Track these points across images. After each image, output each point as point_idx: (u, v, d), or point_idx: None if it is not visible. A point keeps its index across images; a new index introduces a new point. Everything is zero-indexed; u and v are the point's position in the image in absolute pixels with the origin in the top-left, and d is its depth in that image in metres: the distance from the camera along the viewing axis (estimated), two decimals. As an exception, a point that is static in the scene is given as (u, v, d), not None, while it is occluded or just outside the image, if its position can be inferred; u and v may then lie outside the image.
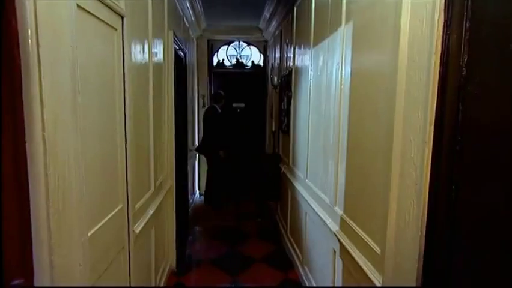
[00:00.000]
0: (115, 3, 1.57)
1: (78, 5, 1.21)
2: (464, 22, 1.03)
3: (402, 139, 1.31)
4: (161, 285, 2.82)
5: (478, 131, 1.03)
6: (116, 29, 1.65)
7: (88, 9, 1.31)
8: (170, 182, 3.07)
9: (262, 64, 6.02)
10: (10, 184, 0.91)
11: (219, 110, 5.13)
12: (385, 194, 1.43)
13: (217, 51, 6.02)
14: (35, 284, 0.96)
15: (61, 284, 1.05)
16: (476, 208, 1.07)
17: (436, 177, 1.13)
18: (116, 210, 1.67)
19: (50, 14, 1.01)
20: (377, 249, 1.54)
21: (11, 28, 0.89)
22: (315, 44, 2.74)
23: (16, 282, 0.91)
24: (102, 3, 1.46)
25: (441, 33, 1.10)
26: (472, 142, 1.04)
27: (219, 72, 6.00)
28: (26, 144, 0.94)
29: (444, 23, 1.09)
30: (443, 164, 1.12)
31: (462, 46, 1.04)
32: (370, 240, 1.63)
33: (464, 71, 1.03)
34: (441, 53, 1.10)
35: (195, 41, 5.50)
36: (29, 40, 0.93)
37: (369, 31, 1.69)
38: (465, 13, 1.02)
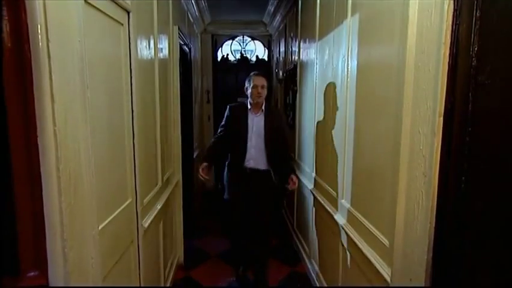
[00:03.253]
0: (121, -2, 1.58)
1: (85, 0, 1.21)
2: (474, 11, 1.02)
3: (410, 131, 1.30)
4: (170, 278, 2.85)
5: (488, 121, 1.02)
6: (122, 24, 1.66)
7: (95, 5, 1.31)
8: (177, 177, 3.09)
9: (266, 59, 6.00)
10: (23, 178, 0.93)
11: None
12: (393, 186, 1.42)
13: (221, 46, 6.01)
14: (49, 276, 0.98)
15: (75, 276, 1.06)
16: (486, 199, 1.06)
17: (445, 168, 1.13)
18: (125, 204, 1.68)
19: (59, 9, 1.02)
20: (385, 241, 1.54)
21: (21, 23, 0.90)
22: (321, 37, 2.72)
23: (31, 274, 0.93)
24: (108, -2, 1.46)
25: (450, 23, 1.09)
26: (482, 133, 1.04)
27: (223, 67, 5.98)
28: (38, 139, 0.95)
29: (453, 12, 1.08)
30: (452, 156, 1.11)
31: (472, 36, 1.02)
32: (378, 233, 1.63)
33: (475, 61, 1.02)
34: (451, 44, 1.09)
35: (199, 36, 5.49)
36: (39, 35, 0.94)
37: (376, 23, 1.68)
38: (475, 2, 1.01)
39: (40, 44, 0.94)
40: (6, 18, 0.88)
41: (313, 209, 2.92)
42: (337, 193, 2.27)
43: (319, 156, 2.82)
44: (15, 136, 0.92)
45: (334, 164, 2.33)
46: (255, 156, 2.77)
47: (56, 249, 0.99)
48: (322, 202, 2.56)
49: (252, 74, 2.80)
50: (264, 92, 2.75)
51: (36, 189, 0.95)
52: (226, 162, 2.92)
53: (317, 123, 2.84)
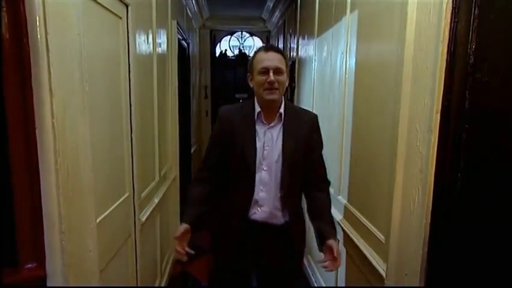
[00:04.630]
0: (119, -9, 1.57)
1: (84, -7, 1.21)
2: (472, 9, 1.03)
3: (407, 127, 1.31)
4: (167, 273, 2.86)
5: (485, 119, 1.03)
6: (121, 18, 1.65)
7: (93, -3, 1.31)
8: (175, 172, 3.09)
9: (265, 55, 5.99)
10: (22, 170, 0.93)
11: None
12: (390, 182, 1.44)
13: (220, 41, 5.99)
14: (47, 268, 0.98)
15: (72, 268, 1.07)
16: (482, 196, 1.08)
17: (442, 165, 1.14)
18: (122, 198, 1.69)
19: (58, 2, 1.01)
20: (381, 237, 1.55)
21: (19, 15, 0.89)
22: (319, 33, 2.72)
23: (29, 266, 0.94)
24: (107, -9, 1.45)
25: (449, 20, 1.09)
26: (479, 130, 1.05)
27: (221, 63, 5.97)
28: (36, 131, 0.95)
29: (452, 10, 1.08)
30: (448, 153, 1.12)
31: (470, 33, 1.03)
32: (374, 229, 1.64)
33: (472, 59, 1.03)
34: (449, 41, 1.09)
35: (198, 31, 5.47)
36: (38, 28, 0.94)
37: (375, 20, 1.68)
38: (474, 0, 1.02)
39: (39, 36, 0.93)
40: (5, 9, 0.87)
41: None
42: (334, 189, 2.28)
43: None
44: (14, 128, 0.92)
45: (331, 161, 2.34)
46: (268, 200, 1.54)
47: (54, 242, 1.00)
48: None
49: (259, 47, 1.56)
50: (282, 82, 1.48)
51: (34, 182, 0.95)
52: (219, 209, 1.66)
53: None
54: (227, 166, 1.57)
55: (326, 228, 1.51)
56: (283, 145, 1.52)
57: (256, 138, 1.52)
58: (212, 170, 1.60)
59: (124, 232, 1.74)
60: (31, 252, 0.96)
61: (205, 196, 1.58)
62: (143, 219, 2.01)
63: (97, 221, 1.33)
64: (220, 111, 1.61)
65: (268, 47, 1.54)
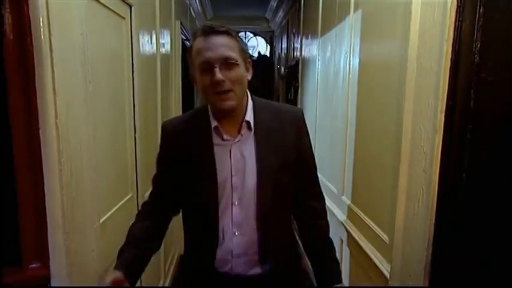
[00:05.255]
0: (123, -9, 1.57)
1: (87, -7, 1.21)
2: (477, 8, 1.02)
3: (412, 127, 1.30)
4: (170, 273, 2.87)
5: (490, 118, 1.02)
6: (124, 18, 1.65)
7: (97, -2, 1.31)
8: (178, 172, 3.10)
9: (268, 54, 5.99)
10: (25, 170, 0.93)
11: None
12: (394, 183, 1.43)
13: (223, 41, 6.00)
14: (51, 268, 0.99)
15: (76, 268, 1.07)
16: (486, 197, 1.07)
17: (446, 165, 1.13)
18: (126, 198, 1.69)
19: (61, 2, 1.02)
20: (385, 237, 1.55)
21: (23, 16, 0.90)
22: (323, 33, 2.71)
23: (33, 265, 0.94)
24: (110, -9, 1.46)
25: (453, 19, 1.08)
26: (483, 130, 1.04)
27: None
28: (40, 131, 0.95)
29: (456, 9, 1.07)
30: (453, 153, 1.11)
31: (475, 32, 1.02)
32: (378, 229, 1.63)
33: (477, 58, 1.02)
34: (453, 40, 1.08)
35: (201, 32, 5.47)
36: (41, 28, 0.94)
37: (379, 19, 1.67)
38: (479, -2, 1.01)
39: (42, 36, 0.94)
40: (8, 10, 0.88)
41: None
42: (337, 189, 2.27)
43: (318, 151, 2.82)
44: (18, 128, 0.93)
45: (334, 161, 2.34)
46: (245, 247, 1.10)
47: (58, 242, 1.00)
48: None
49: (196, 31, 1.05)
50: (238, 78, 1.01)
51: (38, 182, 0.96)
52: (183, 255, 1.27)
53: (318, 119, 2.84)
54: (182, 202, 1.14)
55: (330, 268, 1.16)
56: (259, 164, 1.05)
57: (217, 163, 1.05)
58: (158, 204, 1.16)
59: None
60: (35, 252, 0.97)
61: (145, 235, 1.11)
62: (147, 219, 2.01)
63: (101, 221, 1.33)
64: (162, 127, 1.15)
65: (207, 29, 1.00)
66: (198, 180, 1.08)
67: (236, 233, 1.09)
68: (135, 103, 1.79)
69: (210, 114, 1.09)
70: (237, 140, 1.08)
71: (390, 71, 1.51)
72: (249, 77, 1.08)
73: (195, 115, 1.16)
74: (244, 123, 1.08)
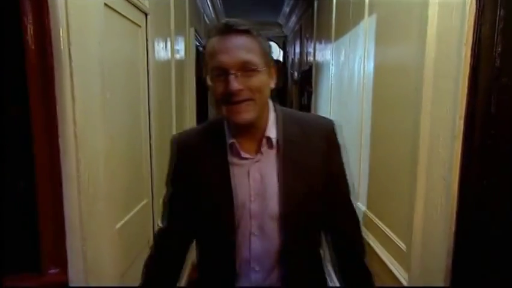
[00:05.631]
0: (139, 1, 1.60)
1: (105, 3, 1.24)
2: (498, 10, 0.99)
3: (429, 133, 1.27)
4: (184, 278, 2.87)
5: (512, 124, 0.99)
6: (140, 26, 1.68)
7: (114, 7, 1.34)
8: (192, 178, 3.11)
9: (282, 60, 6.00)
10: (45, 178, 0.95)
11: None
12: (411, 190, 1.40)
13: (237, 47, 6.04)
14: (69, 274, 1.00)
15: (93, 274, 1.08)
16: (510, 205, 1.03)
17: (466, 173, 1.10)
18: (141, 204, 1.71)
19: (80, 13, 1.04)
20: (402, 245, 1.51)
21: (44, 28, 0.92)
22: (337, 38, 2.70)
23: (52, 271, 0.96)
24: (127, 1, 1.49)
25: (472, 23, 1.06)
26: (505, 136, 1.01)
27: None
28: (59, 140, 0.97)
29: (476, 12, 1.05)
30: (474, 159, 1.08)
31: (495, 36, 1.00)
32: (395, 237, 1.60)
33: (498, 62, 0.99)
34: (473, 44, 1.06)
35: (215, 38, 5.53)
36: (61, 39, 0.96)
37: (394, 23, 1.65)
38: (499, 1, 0.98)
39: (62, 47, 0.96)
40: (31, 22, 0.90)
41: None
42: (353, 196, 2.24)
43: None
44: (39, 137, 0.95)
45: (349, 166, 2.31)
46: (263, 283, 0.96)
47: (76, 248, 1.02)
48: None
49: (212, 28, 0.90)
50: (258, 87, 0.85)
51: (57, 189, 0.98)
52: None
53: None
54: (195, 228, 0.99)
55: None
56: (282, 189, 0.90)
57: (233, 186, 0.91)
58: (173, 231, 1.01)
59: (143, 238, 1.76)
60: (54, 257, 0.98)
61: (161, 274, 1.00)
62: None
63: (117, 227, 1.35)
64: (173, 142, 0.99)
65: (224, 27, 0.85)
66: (211, 205, 0.93)
67: (256, 269, 0.94)
68: (150, 110, 1.82)
69: (226, 128, 0.93)
70: (256, 159, 0.91)
71: (407, 76, 1.49)
72: (273, 85, 0.90)
73: (208, 128, 1.00)
74: (264, 139, 0.91)
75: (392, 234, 1.63)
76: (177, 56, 2.51)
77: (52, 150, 0.96)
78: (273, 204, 0.90)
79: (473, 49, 1.06)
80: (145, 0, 1.70)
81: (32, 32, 0.91)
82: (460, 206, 1.12)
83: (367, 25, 1.99)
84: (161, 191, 2.06)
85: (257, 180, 0.91)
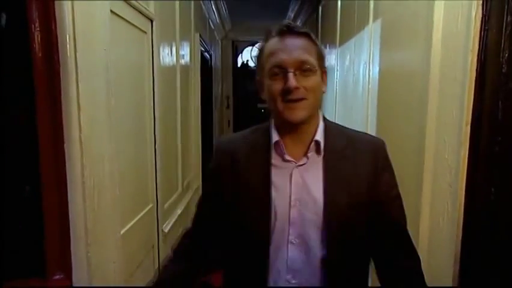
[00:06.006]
0: (145, 7, 1.62)
1: (111, 10, 1.25)
2: (504, 16, 0.98)
3: (435, 140, 1.26)
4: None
5: (520, 130, 0.98)
6: (145, 32, 1.70)
7: (120, 14, 1.35)
8: (197, 183, 3.12)
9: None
10: (51, 183, 0.96)
11: None
12: (417, 196, 1.38)
13: (242, 52, 6.06)
14: (73, 279, 1.00)
15: (97, 280, 1.08)
16: (517, 212, 1.01)
17: (473, 179, 1.09)
18: (146, 209, 1.71)
19: (87, 20, 1.05)
20: (409, 252, 1.50)
21: (51, 35, 0.93)
22: (341, 43, 2.70)
23: (57, 277, 0.96)
24: (133, 7, 1.50)
25: (478, 29, 1.05)
26: (513, 143, 0.99)
27: (243, 73, 6.03)
28: (65, 145, 0.98)
29: (482, 18, 1.04)
30: (480, 166, 1.07)
31: (502, 42, 0.99)
32: (401, 244, 1.58)
33: (505, 68, 0.98)
34: (479, 50, 1.05)
35: (220, 43, 5.56)
36: (67, 45, 0.97)
37: (399, 28, 1.65)
38: (506, 6, 0.98)
39: (68, 54, 0.97)
40: (38, 29, 0.91)
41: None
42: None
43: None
44: (44, 143, 0.96)
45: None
46: None
47: (80, 254, 1.02)
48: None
49: (269, 31, 0.91)
50: (313, 87, 0.86)
51: (62, 195, 0.98)
52: None
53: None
54: (227, 235, 0.96)
55: None
56: (326, 197, 0.87)
57: (273, 188, 0.88)
58: (199, 235, 0.99)
59: (148, 243, 1.76)
60: (59, 263, 0.99)
61: (178, 282, 0.94)
62: (167, 230, 2.02)
63: (121, 232, 1.35)
64: (216, 144, 1.02)
65: (284, 28, 0.87)
66: (247, 206, 0.89)
67: (292, 281, 0.87)
68: (155, 115, 1.82)
69: (272, 127, 0.92)
70: (301, 162, 0.89)
71: (412, 81, 1.48)
72: (324, 90, 0.92)
73: (255, 130, 0.98)
74: (313, 144, 0.89)
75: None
76: (182, 62, 2.53)
77: (58, 156, 0.97)
78: (314, 212, 0.87)
79: (479, 55, 1.05)
80: (151, 6, 1.72)
81: (39, 39, 0.92)
82: (466, 213, 1.11)
83: (372, 30, 1.99)
84: (166, 196, 2.06)
85: (299, 186, 0.88)
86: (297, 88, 0.82)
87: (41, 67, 0.93)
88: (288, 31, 0.87)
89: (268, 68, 0.85)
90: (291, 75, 0.82)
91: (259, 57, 0.91)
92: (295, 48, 0.84)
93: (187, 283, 0.95)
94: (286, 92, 0.82)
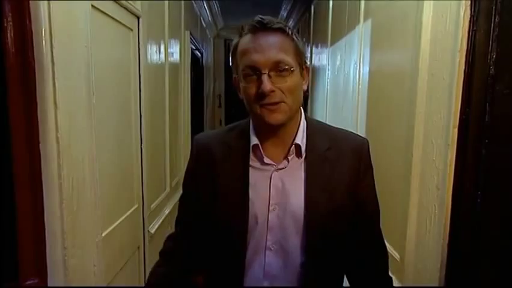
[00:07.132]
0: (130, 3, 1.58)
1: (92, 6, 1.21)
2: (492, 17, 0.97)
3: (423, 141, 1.25)
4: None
5: (507, 133, 0.96)
6: (131, 30, 1.66)
7: (102, 10, 1.31)
8: (186, 182, 3.08)
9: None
10: (24, 185, 0.92)
11: None
12: (405, 198, 1.37)
13: (234, 51, 6.03)
14: (49, 284, 0.96)
15: (75, 284, 1.05)
16: (503, 215, 1.00)
17: (460, 182, 1.08)
18: (131, 210, 1.67)
19: (65, 15, 1.01)
20: (396, 255, 1.48)
21: (25, 29, 0.89)
22: (333, 43, 2.68)
23: (30, 282, 0.92)
24: (117, 3, 1.46)
25: (467, 29, 1.04)
26: (500, 146, 0.98)
27: (235, 72, 6.00)
28: (40, 145, 0.94)
29: (470, 18, 1.03)
30: (467, 168, 1.06)
31: (490, 43, 0.97)
32: (388, 246, 1.56)
33: (493, 70, 0.97)
34: (467, 51, 1.04)
35: (212, 41, 5.52)
36: (43, 41, 0.93)
37: (389, 29, 1.63)
38: (494, 7, 0.96)
39: (44, 49, 0.93)
40: (11, 23, 0.87)
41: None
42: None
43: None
44: (18, 142, 0.91)
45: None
46: None
47: (56, 257, 0.98)
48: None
49: (243, 26, 0.86)
50: (291, 88, 0.79)
51: (37, 196, 0.94)
52: None
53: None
54: (207, 236, 0.92)
55: None
56: (306, 201, 0.84)
57: (251, 191, 0.84)
58: (183, 237, 0.96)
59: (133, 244, 1.72)
60: (33, 267, 0.95)
61: (164, 281, 0.93)
62: (153, 230, 1.99)
63: (104, 234, 1.31)
64: (194, 140, 0.97)
65: (257, 24, 0.81)
66: (224, 208, 0.85)
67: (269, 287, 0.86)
68: (142, 113, 1.78)
69: (251, 128, 0.87)
70: (281, 166, 0.85)
71: (401, 82, 1.47)
72: (305, 87, 0.86)
73: (233, 129, 0.93)
74: (293, 147, 0.85)
75: (386, 244, 1.60)
76: (171, 60, 2.49)
77: (33, 156, 0.93)
78: (294, 218, 0.84)
79: (467, 56, 1.04)
80: (137, 3, 1.68)
81: (12, 34, 0.88)
82: (453, 216, 1.09)
83: (362, 30, 1.97)
84: (152, 196, 2.02)
85: (278, 190, 0.85)
86: (272, 91, 0.77)
87: (14, 63, 0.89)
88: (261, 27, 0.80)
89: (241, 69, 0.80)
90: (265, 77, 0.76)
91: (233, 56, 0.86)
92: (268, 47, 0.78)
93: (175, 285, 0.93)
94: (261, 96, 0.77)
